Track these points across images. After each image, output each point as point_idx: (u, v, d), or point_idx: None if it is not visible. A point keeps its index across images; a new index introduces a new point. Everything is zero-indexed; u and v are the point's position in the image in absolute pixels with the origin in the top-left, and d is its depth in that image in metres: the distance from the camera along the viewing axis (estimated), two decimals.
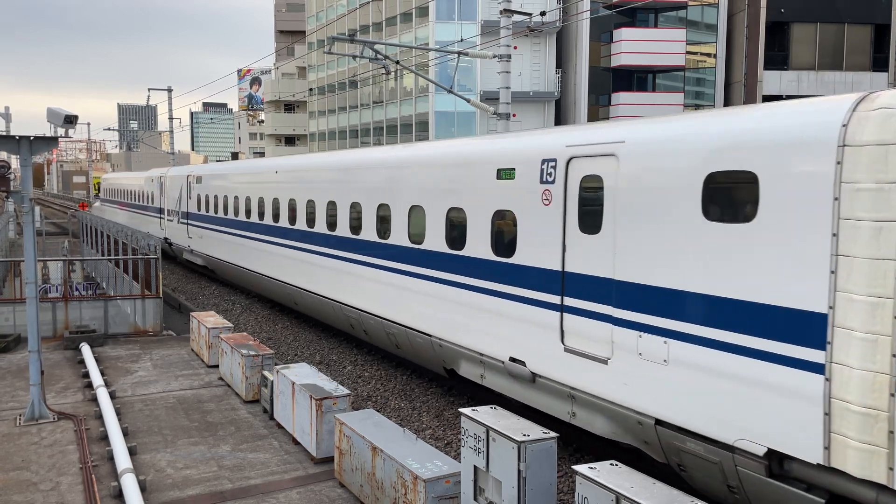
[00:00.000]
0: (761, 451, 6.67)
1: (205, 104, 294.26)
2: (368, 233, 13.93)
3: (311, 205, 16.58)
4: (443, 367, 12.03)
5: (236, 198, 21.77)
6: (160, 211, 31.54)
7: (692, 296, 7.34)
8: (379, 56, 21.18)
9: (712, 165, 7.16)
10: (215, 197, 23.77)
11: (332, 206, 15.54)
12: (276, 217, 18.58)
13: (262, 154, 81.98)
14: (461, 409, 7.37)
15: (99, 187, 55.15)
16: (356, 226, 14.47)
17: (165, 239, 30.46)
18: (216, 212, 23.63)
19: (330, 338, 18.18)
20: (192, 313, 15.89)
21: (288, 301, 18.77)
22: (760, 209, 6.71)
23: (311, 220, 16.58)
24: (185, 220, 27.68)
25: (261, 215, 19.62)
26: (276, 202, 18.56)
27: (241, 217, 21.24)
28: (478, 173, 10.73)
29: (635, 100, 42.87)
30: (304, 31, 67.88)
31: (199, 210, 25.67)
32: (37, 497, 8.48)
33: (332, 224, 15.55)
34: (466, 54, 21.87)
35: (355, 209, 14.50)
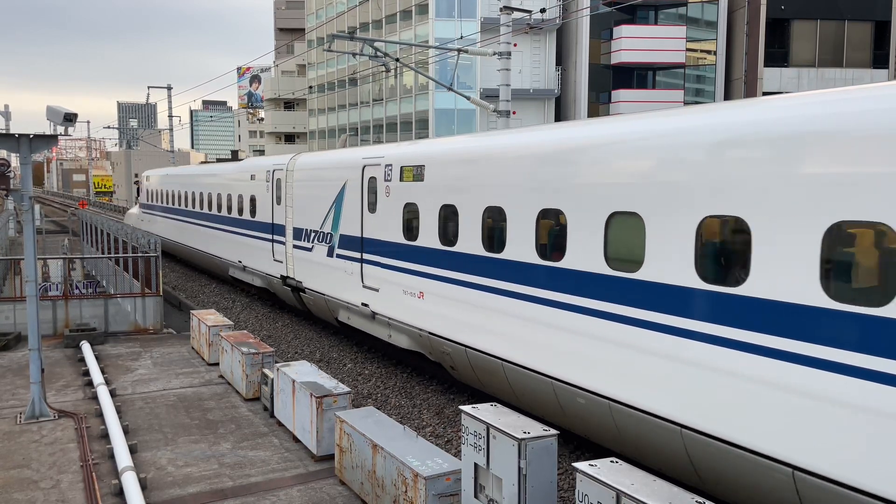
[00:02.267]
0: None
1: (204, 102, 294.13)
2: None
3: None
4: None
5: (584, 215, 9.01)
6: (271, 229, 19.58)
7: None
8: (379, 54, 21.18)
9: None
10: (491, 212, 10.75)
11: None
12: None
13: (262, 152, 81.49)
14: (461, 407, 7.37)
15: (138, 188, 37.80)
16: None
17: (284, 279, 18.69)
18: (494, 247, 10.68)
19: (330, 336, 18.18)
20: (192, 311, 15.90)
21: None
22: None
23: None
24: (349, 253, 15.29)
25: (735, 272, 7.19)
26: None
27: (596, 265, 8.80)
28: None
29: (635, 97, 42.82)
30: (303, 29, 67.89)
31: (409, 237, 12.93)
32: (38, 495, 8.49)
33: None
34: (466, 52, 21.86)
35: None
